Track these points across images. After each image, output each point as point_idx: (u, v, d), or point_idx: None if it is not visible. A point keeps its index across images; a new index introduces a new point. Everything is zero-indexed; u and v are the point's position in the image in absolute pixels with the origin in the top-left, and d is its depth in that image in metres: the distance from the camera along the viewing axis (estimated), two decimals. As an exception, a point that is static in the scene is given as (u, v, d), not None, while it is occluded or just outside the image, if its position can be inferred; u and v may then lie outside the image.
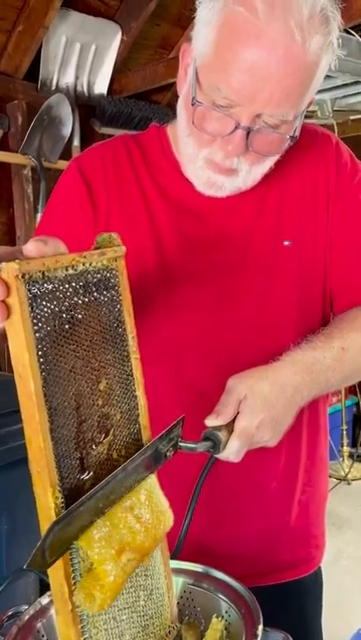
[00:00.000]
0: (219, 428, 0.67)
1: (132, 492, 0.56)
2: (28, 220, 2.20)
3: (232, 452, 0.67)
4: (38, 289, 0.46)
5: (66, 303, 0.49)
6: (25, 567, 0.47)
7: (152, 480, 0.59)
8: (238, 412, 0.68)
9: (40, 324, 0.46)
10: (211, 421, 0.67)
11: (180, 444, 0.64)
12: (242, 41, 0.68)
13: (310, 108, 2.76)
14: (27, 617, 0.66)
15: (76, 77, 2.34)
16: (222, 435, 0.66)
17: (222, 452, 0.67)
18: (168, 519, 0.59)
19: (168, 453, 0.61)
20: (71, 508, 0.47)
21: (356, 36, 2.05)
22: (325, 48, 0.70)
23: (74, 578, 0.51)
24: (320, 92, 2.35)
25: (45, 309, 0.47)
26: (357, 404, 3.61)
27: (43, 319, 0.47)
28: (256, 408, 0.67)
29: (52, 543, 0.46)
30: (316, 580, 0.94)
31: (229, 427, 0.68)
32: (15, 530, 1.39)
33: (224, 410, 0.67)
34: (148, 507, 0.56)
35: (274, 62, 0.67)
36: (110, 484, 0.51)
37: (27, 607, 0.67)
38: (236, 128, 0.71)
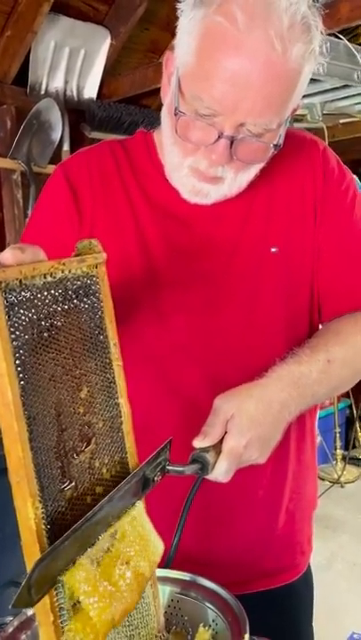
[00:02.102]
0: (207, 449, 0.66)
1: (123, 535, 0.55)
2: (18, 226, 2.20)
3: (221, 472, 0.67)
4: (15, 297, 0.45)
5: (44, 311, 0.48)
6: (11, 606, 0.47)
7: (139, 509, 0.58)
8: (226, 432, 0.67)
9: (18, 333, 0.46)
10: (198, 443, 0.66)
11: (168, 467, 0.63)
12: (222, 51, 0.68)
13: (300, 112, 2.77)
14: (11, 629, 0.65)
15: (66, 82, 2.33)
16: (210, 456, 0.66)
17: (211, 473, 0.67)
18: (159, 556, 0.59)
19: (156, 478, 0.61)
20: (56, 544, 0.46)
21: (344, 40, 2.06)
22: (307, 56, 0.70)
23: (56, 589, 0.51)
24: (309, 95, 2.36)
25: (23, 317, 0.46)
26: (350, 406, 3.62)
27: (20, 327, 0.46)
28: (243, 427, 0.67)
29: (37, 580, 0.45)
30: (306, 585, 0.94)
31: (217, 447, 0.67)
32: (4, 540, 1.38)
33: (211, 430, 0.67)
34: (144, 556, 0.56)
35: (255, 72, 0.67)
36: (96, 515, 0.51)
37: (11, 618, 0.66)
38: (219, 137, 0.71)
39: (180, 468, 0.64)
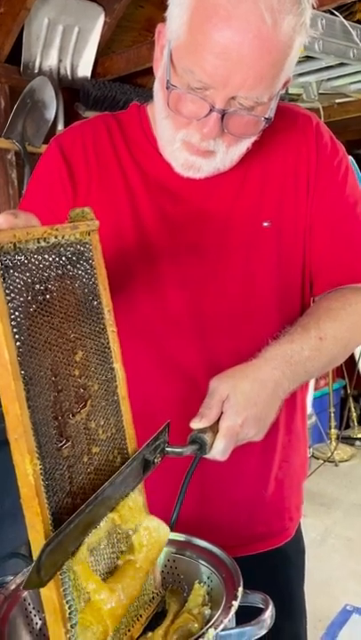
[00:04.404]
0: (204, 429, 0.68)
1: (140, 545, 0.58)
2: (13, 206, 2.19)
3: (218, 451, 0.69)
4: (10, 260, 0.47)
5: (39, 275, 0.50)
6: (22, 588, 0.48)
7: (137, 496, 0.60)
8: (222, 413, 0.69)
9: (13, 295, 0.47)
10: (196, 424, 0.68)
11: (167, 449, 0.65)
12: (213, 24, 0.68)
13: (295, 92, 2.73)
14: (13, 586, 0.67)
15: (60, 60, 2.31)
16: (208, 436, 0.68)
17: (209, 452, 0.68)
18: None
19: (155, 460, 0.63)
20: (62, 527, 0.48)
21: (340, 17, 2.04)
22: (298, 29, 0.70)
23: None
24: (305, 74, 2.34)
25: (18, 280, 0.47)
26: (345, 387, 3.66)
27: (15, 290, 0.47)
28: (239, 407, 0.69)
29: (45, 563, 0.47)
30: (296, 550, 0.97)
31: (214, 427, 0.69)
32: (4, 513, 1.41)
33: (208, 412, 0.69)
34: (155, 558, 0.60)
35: (245, 45, 0.68)
36: (99, 498, 0.52)
37: (12, 577, 0.69)
38: (210, 111, 0.72)
39: (179, 450, 0.66)
